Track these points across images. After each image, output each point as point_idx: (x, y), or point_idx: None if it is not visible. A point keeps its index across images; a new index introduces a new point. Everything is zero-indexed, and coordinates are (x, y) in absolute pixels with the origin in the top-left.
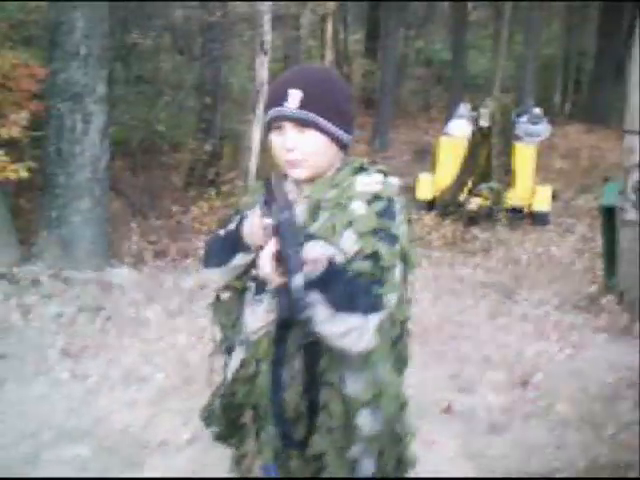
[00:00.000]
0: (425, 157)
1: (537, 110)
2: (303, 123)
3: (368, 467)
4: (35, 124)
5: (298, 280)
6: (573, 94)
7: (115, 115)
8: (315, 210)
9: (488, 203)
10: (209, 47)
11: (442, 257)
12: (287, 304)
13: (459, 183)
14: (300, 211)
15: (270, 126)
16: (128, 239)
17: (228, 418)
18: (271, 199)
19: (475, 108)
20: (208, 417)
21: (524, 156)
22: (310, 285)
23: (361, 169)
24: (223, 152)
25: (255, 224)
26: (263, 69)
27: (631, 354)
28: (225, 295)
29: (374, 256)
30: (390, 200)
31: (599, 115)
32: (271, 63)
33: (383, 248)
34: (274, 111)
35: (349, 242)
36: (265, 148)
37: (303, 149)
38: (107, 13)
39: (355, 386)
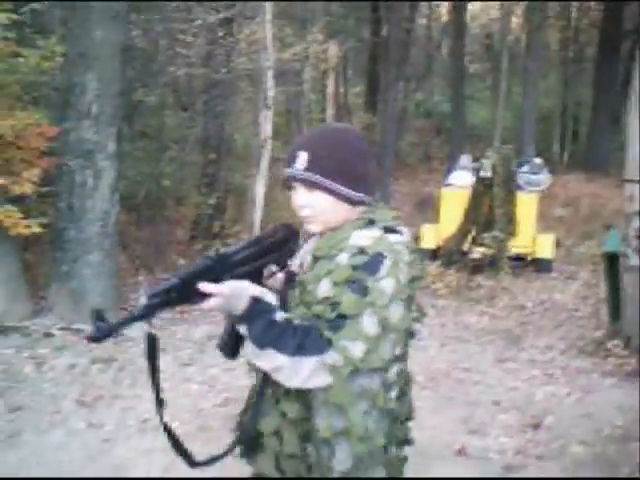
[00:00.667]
0: (426, 208)
1: (538, 160)
2: (309, 184)
3: None
4: (44, 180)
5: (141, 300)
6: (571, 144)
7: (121, 170)
8: (315, 260)
9: (491, 252)
10: (212, 103)
11: (447, 305)
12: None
13: (462, 232)
14: (307, 260)
15: (287, 185)
16: (135, 292)
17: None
18: None
19: (476, 159)
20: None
21: (526, 205)
22: (238, 319)
23: (370, 223)
24: (227, 206)
25: None
26: (267, 124)
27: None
28: None
29: (335, 303)
30: (376, 255)
31: (597, 164)
32: (274, 118)
33: (348, 297)
34: (286, 172)
35: (324, 289)
36: (268, 202)
37: (313, 207)
38: (118, 74)
39: (320, 420)
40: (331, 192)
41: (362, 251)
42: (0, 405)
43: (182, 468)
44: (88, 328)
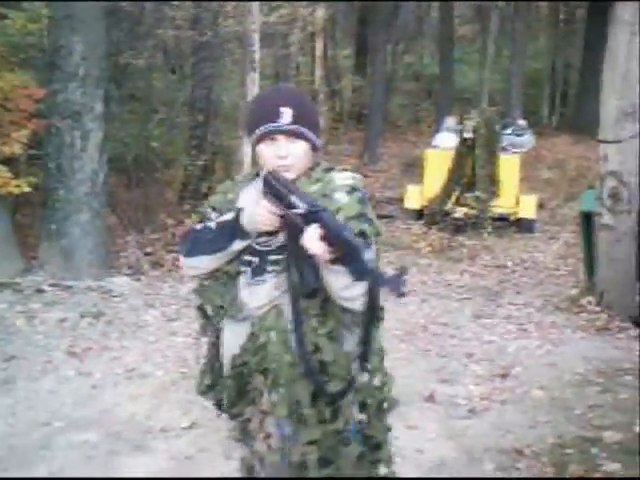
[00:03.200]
0: (414, 170)
1: (521, 122)
2: (295, 135)
3: (356, 411)
4: (32, 142)
5: (369, 254)
6: (560, 106)
7: (110, 133)
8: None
9: (474, 212)
10: (200, 66)
11: (429, 264)
12: (314, 276)
13: (446, 193)
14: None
15: (260, 139)
16: (125, 251)
17: (238, 385)
18: (274, 192)
19: (461, 121)
20: (206, 390)
21: (509, 166)
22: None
23: (330, 169)
24: (215, 167)
25: (266, 212)
26: (254, 86)
27: (605, 349)
28: (208, 281)
29: (362, 234)
30: (363, 191)
31: (585, 126)
32: (262, 80)
33: (367, 228)
34: (269, 126)
35: None
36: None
37: (294, 156)
38: (104, 36)
39: (350, 343)
40: (309, 141)
41: (354, 189)
42: None
43: (163, 415)
44: (78, 284)
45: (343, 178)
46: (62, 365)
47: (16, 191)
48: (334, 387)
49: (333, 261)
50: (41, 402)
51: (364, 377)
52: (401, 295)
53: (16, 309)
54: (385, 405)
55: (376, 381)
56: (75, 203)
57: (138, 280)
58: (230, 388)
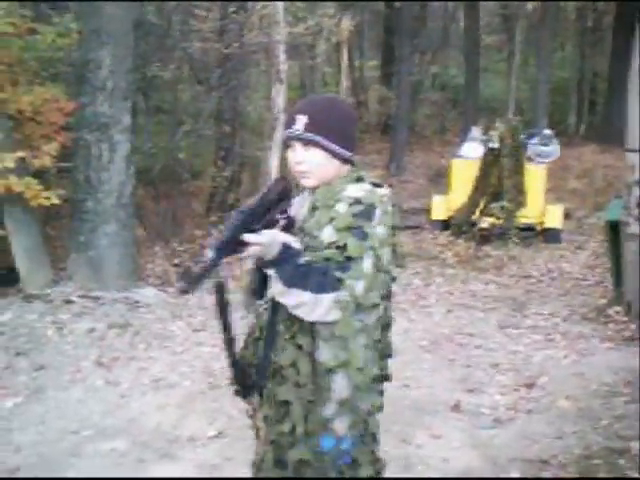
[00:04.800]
0: (440, 180)
1: (547, 131)
2: (307, 142)
3: (340, 426)
4: (61, 155)
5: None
6: (588, 115)
7: (137, 144)
8: (313, 209)
9: (500, 222)
10: (226, 77)
11: (455, 274)
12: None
13: (472, 203)
14: (304, 210)
15: (285, 145)
16: (152, 262)
17: (241, 378)
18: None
19: (487, 131)
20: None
21: (535, 176)
22: (268, 264)
23: (358, 179)
24: (242, 178)
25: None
26: (280, 97)
27: (633, 359)
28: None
29: (342, 247)
30: (370, 205)
31: (613, 135)
32: (288, 91)
33: (351, 241)
34: (286, 132)
35: (327, 234)
36: (283, 173)
37: (309, 163)
38: (132, 49)
39: (324, 352)
40: (325, 149)
41: (358, 201)
42: (25, 364)
43: (191, 424)
44: (106, 295)
45: (354, 190)
46: (90, 375)
47: (46, 203)
48: (281, 392)
49: (264, 264)
50: (70, 411)
51: (345, 391)
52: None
53: (46, 319)
54: (370, 429)
55: (361, 403)
56: (103, 215)
57: (165, 291)
58: (235, 379)
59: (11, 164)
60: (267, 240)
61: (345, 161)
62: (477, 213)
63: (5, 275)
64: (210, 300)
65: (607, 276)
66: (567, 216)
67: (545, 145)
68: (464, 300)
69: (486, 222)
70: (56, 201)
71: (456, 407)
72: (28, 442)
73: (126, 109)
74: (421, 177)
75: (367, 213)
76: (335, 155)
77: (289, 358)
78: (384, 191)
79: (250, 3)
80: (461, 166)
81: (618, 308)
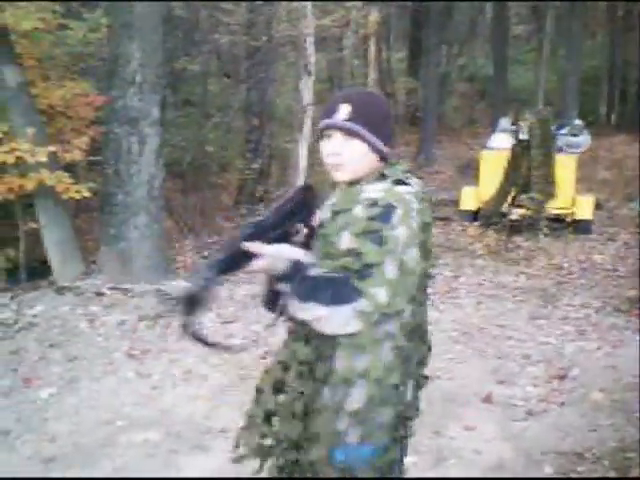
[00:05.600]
0: (469, 171)
1: (577, 122)
2: (349, 132)
3: (353, 435)
4: (91, 148)
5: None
6: (619, 105)
7: (166, 137)
8: (334, 214)
9: (530, 213)
10: (255, 70)
11: (486, 265)
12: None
13: (501, 194)
14: (325, 215)
15: (321, 135)
16: (182, 255)
17: None
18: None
19: (516, 122)
20: None
21: (565, 167)
22: (279, 278)
23: (382, 177)
24: (271, 171)
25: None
26: (308, 90)
27: None
28: None
29: (360, 254)
30: (387, 206)
31: None
32: (316, 84)
33: (368, 247)
34: (326, 122)
35: (345, 240)
36: (312, 164)
37: (347, 155)
38: (161, 43)
39: (340, 363)
40: (367, 142)
41: (374, 203)
42: (59, 355)
43: (222, 416)
44: (136, 287)
45: (372, 190)
46: (122, 366)
47: (77, 196)
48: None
49: (276, 280)
50: (103, 402)
51: (358, 403)
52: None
53: (78, 312)
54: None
55: (376, 414)
56: (133, 207)
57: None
58: None
59: (43, 158)
60: (272, 252)
61: (382, 158)
62: (507, 204)
63: (37, 268)
64: (241, 292)
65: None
66: (598, 207)
67: (575, 135)
68: (494, 291)
69: (516, 213)
70: (87, 194)
71: (488, 398)
72: (63, 432)
73: (155, 102)
74: (450, 168)
75: (384, 215)
76: (375, 149)
77: (305, 356)
78: (408, 188)
79: None
80: (490, 157)
81: None
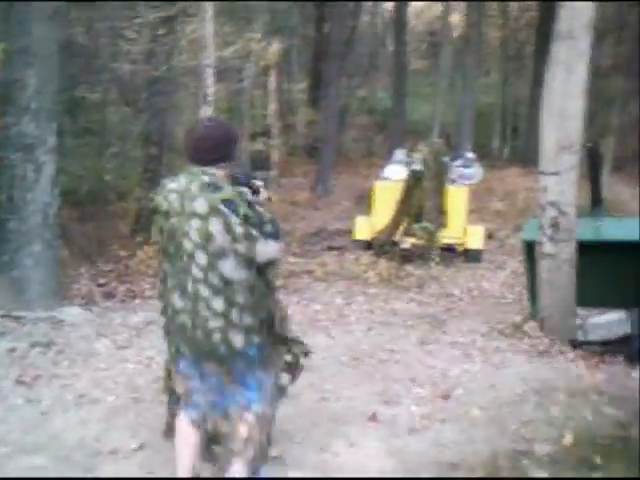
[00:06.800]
0: (365, 202)
1: (470, 154)
2: None
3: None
4: None
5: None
6: (511, 139)
7: (63, 166)
8: None
9: (421, 242)
10: (154, 99)
11: (378, 293)
12: None
13: (394, 224)
14: None
15: None
16: (78, 282)
17: None
18: None
19: (410, 153)
20: None
21: (457, 197)
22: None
23: None
24: None
25: None
26: None
27: (543, 370)
28: None
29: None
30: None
31: (535, 159)
32: (217, 113)
33: None
34: None
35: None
36: None
37: None
38: (58, 70)
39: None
40: None
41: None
42: None
43: (113, 438)
44: (29, 315)
45: None
46: (10, 394)
47: None
48: None
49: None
50: None
51: None
52: None
53: None
54: None
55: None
56: (27, 235)
57: (90, 310)
58: None
59: None
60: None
61: None
62: (399, 234)
63: None
64: (136, 318)
65: (525, 294)
66: (490, 236)
67: (467, 167)
68: (385, 318)
69: (408, 242)
70: None
71: (373, 417)
72: None
73: (52, 130)
74: (347, 199)
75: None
76: None
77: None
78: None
79: (179, 26)
80: (384, 188)
81: (533, 324)
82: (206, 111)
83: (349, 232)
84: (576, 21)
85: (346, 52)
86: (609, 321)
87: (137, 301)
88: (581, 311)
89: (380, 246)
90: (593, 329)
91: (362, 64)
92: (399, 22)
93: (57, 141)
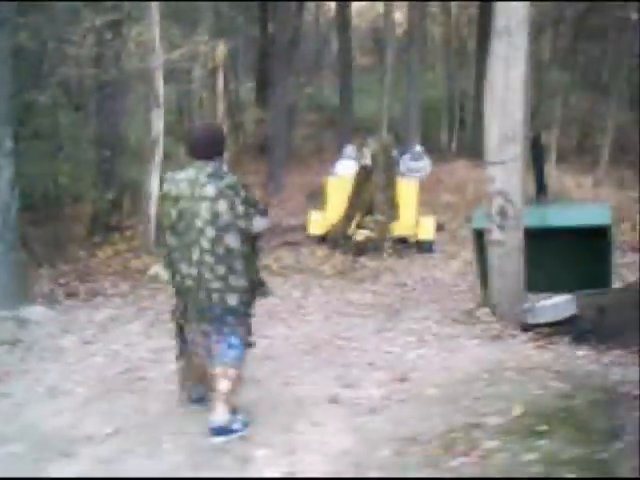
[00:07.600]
0: (318, 197)
1: (418, 148)
2: None
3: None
4: None
5: None
6: (458, 132)
7: (17, 170)
8: None
9: (374, 235)
10: (105, 103)
11: (333, 285)
12: None
13: (347, 218)
14: None
15: None
16: (39, 283)
17: None
18: None
19: (360, 149)
20: None
21: (407, 190)
22: None
23: None
24: (123, 201)
25: None
26: (158, 121)
27: (495, 352)
28: None
29: None
30: None
31: (482, 150)
32: (166, 115)
33: None
34: None
35: None
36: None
37: None
38: (11, 75)
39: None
40: None
41: None
42: None
43: (88, 425)
44: None
45: None
46: None
47: None
48: None
49: None
50: None
51: None
52: None
53: None
54: None
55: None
56: None
57: (54, 309)
58: None
59: None
60: None
61: None
62: (352, 227)
63: None
64: (101, 315)
65: (477, 282)
66: (440, 228)
67: (416, 161)
68: (342, 308)
69: (361, 235)
70: None
71: (334, 399)
72: None
73: (8, 133)
74: (299, 195)
75: None
76: None
77: None
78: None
79: (125, 30)
80: (335, 183)
81: (486, 310)
82: (157, 113)
83: (303, 227)
84: (512, 18)
85: (291, 51)
86: (556, 304)
87: (100, 299)
88: (531, 296)
89: (334, 240)
90: (541, 312)
91: (308, 62)
92: (342, 21)
93: (13, 145)
